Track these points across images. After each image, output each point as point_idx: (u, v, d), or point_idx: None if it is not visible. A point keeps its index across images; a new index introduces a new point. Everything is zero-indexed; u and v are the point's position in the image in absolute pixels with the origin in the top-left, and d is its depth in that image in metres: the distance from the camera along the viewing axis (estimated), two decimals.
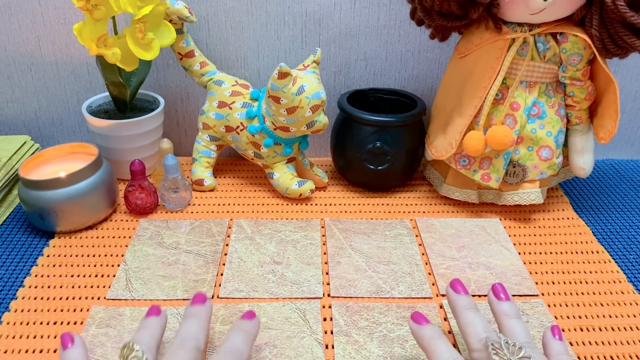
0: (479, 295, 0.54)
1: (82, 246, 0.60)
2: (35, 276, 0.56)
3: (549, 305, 0.53)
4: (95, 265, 0.57)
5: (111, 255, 0.59)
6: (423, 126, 0.71)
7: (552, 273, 0.58)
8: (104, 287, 0.54)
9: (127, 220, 0.65)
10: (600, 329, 0.51)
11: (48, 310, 0.51)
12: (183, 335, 0.42)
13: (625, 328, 0.51)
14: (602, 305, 0.54)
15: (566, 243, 0.63)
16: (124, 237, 0.62)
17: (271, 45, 0.74)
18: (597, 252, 0.61)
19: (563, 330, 0.50)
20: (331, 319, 0.51)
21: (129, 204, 0.65)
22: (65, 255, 0.59)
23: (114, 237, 0.62)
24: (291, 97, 0.61)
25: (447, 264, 0.58)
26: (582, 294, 0.55)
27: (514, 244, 0.62)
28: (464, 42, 0.64)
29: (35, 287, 0.54)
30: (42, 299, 0.53)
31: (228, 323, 0.50)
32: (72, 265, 0.57)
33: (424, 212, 0.68)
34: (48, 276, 0.56)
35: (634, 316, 0.52)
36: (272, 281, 0.55)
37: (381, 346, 0.48)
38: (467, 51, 0.63)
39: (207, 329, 0.44)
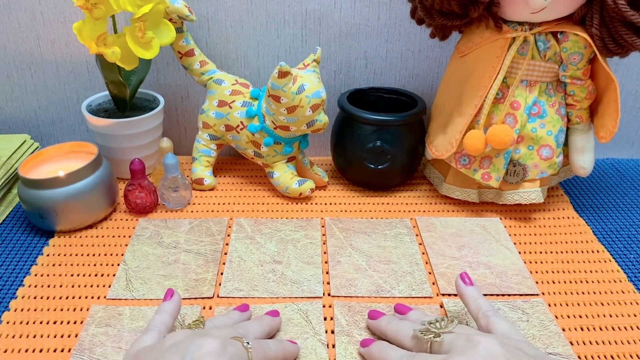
0: None
1: (81, 245, 0.60)
2: (35, 275, 0.56)
3: (549, 305, 0.53)
4: (95, 265, 0.57)
5: (111, 255, 0.59)
6: (423, 125, 0.71)
7: (553, 272, 0.58)
8: (103, 286, 0.54)
9: (127, 220, 0.65)
10: (600, 329, 0.51)
11: (48, 310, 0.51)
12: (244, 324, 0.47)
13: (625, 327, 0.51)
14: (602, 304, 0.54)
15: (566, 242, 0.63)
16: (124, 237, 0.62)
17: (271, 44, 0.74)
18: (598, 252, 0.61)
19: (563, 330, 0.50)
20: (331, 319, 0.51)
21: (128, 203, 0.65)
22: (65, 255, 0.59)
23: (113, 237, 0.62)
24: (291, 96, 0.61)
25: (447, 263, 0.58)
26: (583, 293, 0.55)
27: (515, 243, 0.62)
28: (465, 41, 0.64)
29: (35, 287, 0.54)
30: (41, 298, 0.53)
31: None
32: (71, 265, 0.57)
33: (424, 212, 0.68)
34: (48, 275, 0.56)
35: (634, 315, 0.52)
36: (273, 280, 0.55)
37: None
38: (468, 50, 0.63)
39: (265, 332, 0.47)
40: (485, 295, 0.54)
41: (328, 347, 0.48)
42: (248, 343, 0.41)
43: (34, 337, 0.48)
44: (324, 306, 0.52)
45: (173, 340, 0.40)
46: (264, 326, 0.47)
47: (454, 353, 0.40)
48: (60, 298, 0.53)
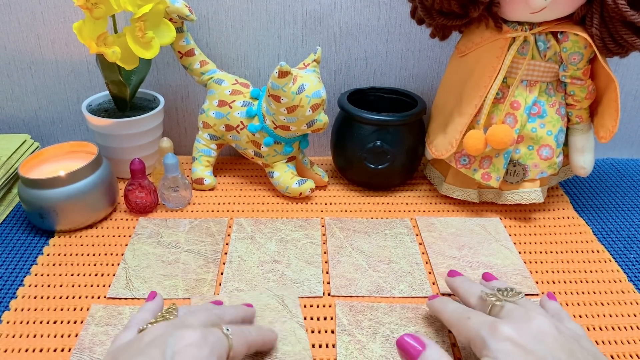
0: None
1: (82, 245, 0.60)
2: (35, 275, 0.56)
3: None
4: (95, 264, 0.57)
5: (111, 254, 0.59)
6: (423, 125, 0.71)
7: (553, 272, 0.58)
8: (103, 286, 0.54)
9: (127, 219, 0.65)
10: (600, 328, 0.51)
11: (48, 309, 0.51)
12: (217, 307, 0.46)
13: (625, 327, 0.51)
14: (602, 304, 0.54)
15: (566, 242, 0.63)
16: (124, 236, 0.62)
17: (271, 43, 0.74)
18: (598, 252, 0.61)
19: None
20: (332, 318, 0.51)
21: (128, 203, 0.65)
22: (65, 254, 0.59)
23: (114, 236, 0.62)
24: (291, 96, 0.61)
25: (447, 263, 0.58)
26: (582, 293, 0.55)
27: (514, 243, 0.62)
28: (465, 41, 0.64)
29: (35, 286, 0.54)
30: (42, 298, 0.53)
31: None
32: (72, 264, 0.57)
33: (424, 211, 0.68)
34: (48, 275, 0.56)
35: (634, 315, 0.52)
36: (273, 280, 0.55)
37: (384, 346, 0.48)
38: (468, 50, 0.63)
39: (240, 317, 0.47)
40: None
41: (328, 347, 0.48)
42: (228, 329, 0.41)
43: (34, 336, 0.48)
44: (323, 306, 0.52)
45: (151, 335, 0.39)
46: (239, 311, 0.47)
47: (507, 319, 0.41)
48: (60, 298, 0.53)
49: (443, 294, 0.54)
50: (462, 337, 0.43)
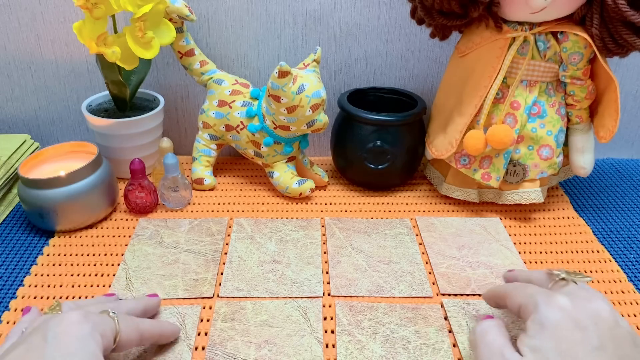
0: (479, 295, 0.54)
1: (81, 245, 0.60)
2: (35, 275, 0.56)
3: None
4: (95, 265, 0.57)
5: (111, 255, 0.59)
6: (423, 125, 0.71)
7: None
8: (103, 286, 0.54)
9: (127, 220, 0.65)
10: None
11: None
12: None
13: None
14: None
15: (566, 242, 0.63)
16: (124, 236, 0.62)
17: (271, 43, 0.74)
18: (598, 252, 0.61)
19: None
20: (332, 318, 0.51)
21: (128, 203, 0.65)
22: (65, 255, 0.59)
23: (113, 236, 0.62)
24: (291, 96, 0.61)
25: (447, 263, 0.58)
26: None
27: (514, 243, 0.62)
28: (465, 41, 0.64)
29: (35, 286, 0.54)
30: (42, 298, 0.53)
31: (229, 320, 0.50)
32: (72, 265, 0.57)
33: (424, 211, 0.68)
34: (48, 275, 0.56)
35: (634, 315, 0.52)
36: (273, 280, 0.55)
37: (384, 346, 0.48)
38: (468, 50, 0.63)
39: (139, 309, 0.46)
40: None
41: (328, 347, 0.48)
42: (114, 313, 0.40)
43: None
44: (324, 306, 0.52)
45: (31, 328, 0.38)
46: (139, 303, 0.47)
47: (567, 293, 0.39)
48: (60, 298, 0.53)
49: (443, 294, 0.54)
50: (514, 303, 0.41)
